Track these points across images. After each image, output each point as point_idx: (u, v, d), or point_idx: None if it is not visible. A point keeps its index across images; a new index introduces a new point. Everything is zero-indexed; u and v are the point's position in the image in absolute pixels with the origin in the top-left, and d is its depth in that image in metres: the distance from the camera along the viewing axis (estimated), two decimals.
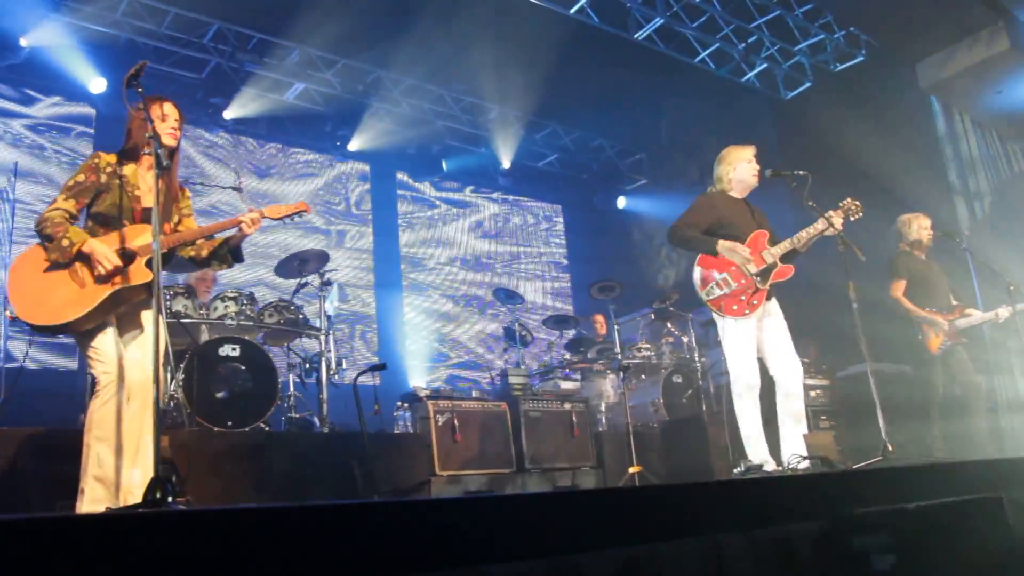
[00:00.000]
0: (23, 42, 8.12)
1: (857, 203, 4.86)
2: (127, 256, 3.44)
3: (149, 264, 3.43)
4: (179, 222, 3.75)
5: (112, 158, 3.57)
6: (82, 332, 3.41)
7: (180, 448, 4.77)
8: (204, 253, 3.80)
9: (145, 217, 3.53)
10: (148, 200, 3.54)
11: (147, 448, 3.31)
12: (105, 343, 3.41)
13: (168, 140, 3.57)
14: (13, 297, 3.40)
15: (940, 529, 2.21)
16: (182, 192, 3.82)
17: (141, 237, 3.48)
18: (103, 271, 3.37)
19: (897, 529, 2.21)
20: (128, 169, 3.56)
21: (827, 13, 9.39)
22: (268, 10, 8.57)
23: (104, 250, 3.39)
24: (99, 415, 3.33)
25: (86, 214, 3.52)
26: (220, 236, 3.77)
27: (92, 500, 3.26)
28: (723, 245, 4.70)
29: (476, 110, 11.07)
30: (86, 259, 3.39)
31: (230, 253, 3.80)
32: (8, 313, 3.52)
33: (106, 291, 3.40)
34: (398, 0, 8.41)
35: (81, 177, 3.49)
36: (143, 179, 3.58)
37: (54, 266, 3.39)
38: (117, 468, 3.33)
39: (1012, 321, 5.98)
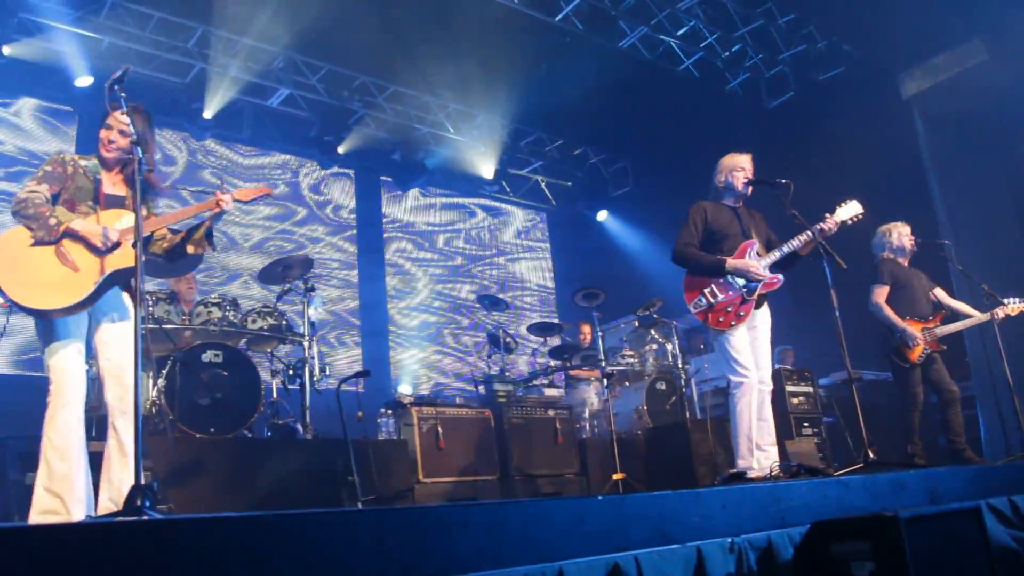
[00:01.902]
0: (5, 50, 8.06)
1: (855, 204, 4.92)
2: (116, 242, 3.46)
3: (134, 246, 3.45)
4: (146, 217, 3.73)
5: (75, 156, 3.61)
6: (53, 325, 3.33)
7: (162, 455, 4.74)
8: (177, 240, 3.82)
9: (109, 202, 3.57)
10: (109, 187, 3.60)
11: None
12: (68, 351, 3.35)
13: (102, 150, 3.59)
14: (1, 279, 3.27)
15: (919, 537, 2.23)
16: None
17: (120, 221, 3.50)
18: (101, 245, 3.37)
19: (876, 537, 2.23)
20: (89, 162, 3.60)
21: (810, 23, 9.48)
22: (253, 15, 8.55)
23: (95, 227, 3.41)
24: (54, 423, 3.25)
25: (54, 202, 3.49)
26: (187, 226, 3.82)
27: (41, 511, 3.17)
28: (732, 265, 4.72)
29: (461, 117, 11.08)
30: (75, 240, 3.37)
31: (205, 237, 3.84)
32: (1, 301, 3.32)
33: (101, 275, 3.37)
34: (383, 7, 8.41)
35: (48, 167, 3.51)
36: (102, 170, 3.62)
37: (38, 244, 3.33)
38: (77, 478, 3.24)
39: (990, 325, 6.06)
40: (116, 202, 3.59)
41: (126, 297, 3.59)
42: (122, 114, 3.41)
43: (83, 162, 3.58)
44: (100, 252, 3.40)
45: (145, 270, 3.47)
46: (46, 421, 3.26)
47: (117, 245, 3.43)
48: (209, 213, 3.75)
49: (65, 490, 3.20)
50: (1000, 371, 5.98)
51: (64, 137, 8.91)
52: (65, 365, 3.32)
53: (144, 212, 3.64)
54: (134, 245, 3.44)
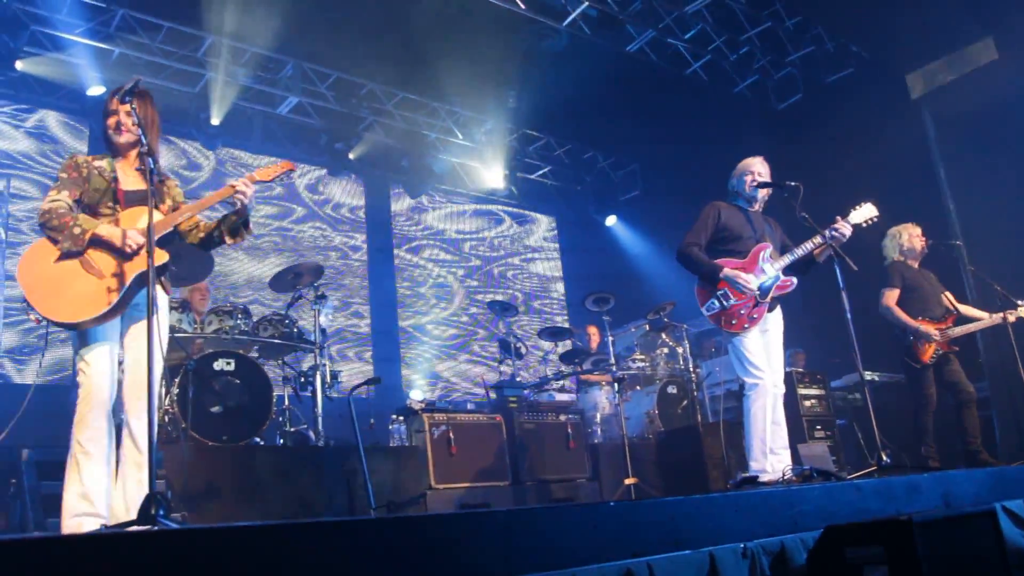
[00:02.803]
0: (19, 66, 8.15)
1: (870, 207, 4.90)
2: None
3: (160, 244, 3.43)
4: (175, 208, 3.67)
5: (87, 158, 3.56)
6: (86, 333, 3.30)
7: (175, 463, 4.77)
8: (213, 227, 3.72)
9: (129, 199, 3.50)
10: (127, 183, 3.53)
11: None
12: (101, 353, 3.33)
13: (115, 137, 3.54)
14: (31, 296, 3.25)
15: (932, 541, 2.22)
16: (167, 180, 3.74)
17: (141, 220, 3.43)
18: (130, 249, 3.33)
19: (889, 541, 2.22)
20: (103, 162, 3.54)
21: (817, 25, 9.45)
22: (263, 24, 8.60)
23: (120, 231, 3.36)
24: (84, 427, 3.23)
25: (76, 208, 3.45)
26: (219, 213, 3.73)
27: (74, 514, 3.16)
28: (727, 272, 4.71)
29: (470, 123, 11.10)
30: (99, 246, 3.34)
31: (242, 224, 3.72)
32: (33, 317, 3.28)
33: (127, 280, 3.33)
34: (391, 14, 8.44)
35: (64, 174, 3.47)
36: (119, 168, 3.56)
37: (65, 256, 3.30)
38: (106, 482, 3.24)
39: (1004, 326, 6.01)
40: (137, 198, 3.51)
41: (157, 291, 3.48)
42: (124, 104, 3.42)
43: (96, 163, 3.52)
44: (126, 256, 3.36)
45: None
46: (75, 425, 3.24)
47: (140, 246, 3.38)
48: (234, 202, 3.63)
49: (98, 494, 3.20)
50: (1015, 372, 5.94)
51: (78, 147, 8.98)
52: (96, 368, 3.30)
53: (170, 203, 3.63)
54: (160, 244, 3.44)
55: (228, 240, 3.74)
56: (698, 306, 4.87)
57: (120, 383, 3.41)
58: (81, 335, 3.33)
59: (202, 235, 3.73)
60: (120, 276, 3.35)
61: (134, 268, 3.37)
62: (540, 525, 2.29)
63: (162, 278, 3.53)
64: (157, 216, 3.44)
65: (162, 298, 3.57)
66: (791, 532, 2.72)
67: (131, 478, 3.30)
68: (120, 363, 3.46)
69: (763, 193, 4.98)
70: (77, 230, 3.31)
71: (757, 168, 4.99)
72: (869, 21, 8.64)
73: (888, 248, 6.32)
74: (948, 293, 6.24)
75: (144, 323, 3.43)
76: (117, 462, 3.36)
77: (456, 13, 8.47)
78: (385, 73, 9.91)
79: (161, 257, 3.41)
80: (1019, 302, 6.01)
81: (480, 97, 10.48)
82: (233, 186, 3.60)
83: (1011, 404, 7.59)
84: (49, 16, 8.00)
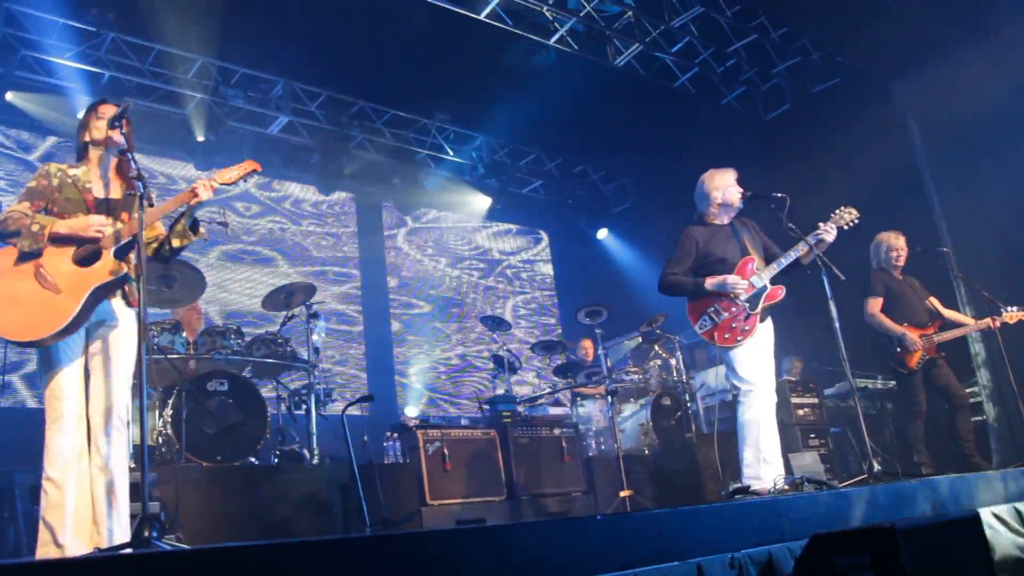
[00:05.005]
0: (8, 96, 8.28)
1: (851, 210, 4.93)
2: (95, 253, 3.36)
3: (117, 254, 3.37)
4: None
5: (62, 166, 3.53)
6: (48, 352, 3.24)
7: (170, 484, 4.77)
8: (163, 237, 3.69)
9: (99, 207, 3.47)
10: (99, 191, 3.52)
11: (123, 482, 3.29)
12: (68, 375, 3.26)
13: (96, 135, 3.54)
14: None
15: (917, 548, 2.25)
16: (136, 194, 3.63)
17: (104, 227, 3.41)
18: (97, 233, 3.30)
19: (874, 549, 2.25)
20: (78, 171, 3.52)
21: (803, 36, 9.54)
22: (251, 44, 8.66)
23: (83, 221, 3.31)
24: (49, 450, 3.18)
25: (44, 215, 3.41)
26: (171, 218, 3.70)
27: (40, 543, 3.12)
28: (711, 283, 4.75)
29: (460, 139, 11.17)
30: (61, 244, 3.28)
31: (189, 227, 3.71)
32: None
33: (84, 293, 3.24)
34: (380, 31, 8.50)
35: (33, 183, 3.43)
36: (93, 175, 3.54)
37: (26, 257, 3.24)
38: (69, 508, 3.16)
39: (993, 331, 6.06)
40: (108, 208, 3.48)
41: (117, 304, 3.45)
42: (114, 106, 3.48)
43: (72, 171, 3.49)
44: (83, 263, 3.30)
45: (153, 302, 3.45)
46: (45, 450, 3.19)
47: (96, 258, 3.33)
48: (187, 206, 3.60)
49: (56, 520, 3.12)
50: (1006, 376, 5.99)
51: None
52: (60, 391, 3.24)
53: (126, 217, 3.51)
54: (125, 251, 3.38)
55: (175, 243, 3.69)
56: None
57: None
58: (45, 355, 3.27)
59: (155, 246, 3.69)
60: (78, 288, 3.26)
61: (92, 279, 3.30)
62: (529, 540, 2.32)
63: (125, 287, 3.45)
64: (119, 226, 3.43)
65: (127, 312, 3.48)
66: (779, 542, 2.74)
67: (101, 500, 3.23)
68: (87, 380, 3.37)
69: (734, 202, 4.99)
70: (36, 227, 3.26)
71: (718, 181, 5.01)
72: (854, 31, 8.73)
73: (873, 253, 6.38)
74: (934, 298, 6.29)
75: (110, 335, 3.40)
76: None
77: (444, 31, 8.54)
78: (374, 91, 9.97)
79: (118, 267, 3.36)
80: (1005, 308, 6.06)
81: (470, 113, 10.55)
82: (194, 189, 3.56)
83: (1004, 407, 7.63)
84: (39, 41, 8.04)
